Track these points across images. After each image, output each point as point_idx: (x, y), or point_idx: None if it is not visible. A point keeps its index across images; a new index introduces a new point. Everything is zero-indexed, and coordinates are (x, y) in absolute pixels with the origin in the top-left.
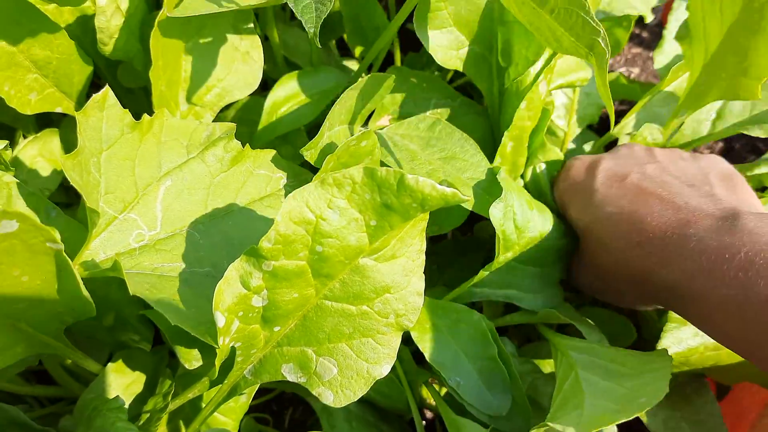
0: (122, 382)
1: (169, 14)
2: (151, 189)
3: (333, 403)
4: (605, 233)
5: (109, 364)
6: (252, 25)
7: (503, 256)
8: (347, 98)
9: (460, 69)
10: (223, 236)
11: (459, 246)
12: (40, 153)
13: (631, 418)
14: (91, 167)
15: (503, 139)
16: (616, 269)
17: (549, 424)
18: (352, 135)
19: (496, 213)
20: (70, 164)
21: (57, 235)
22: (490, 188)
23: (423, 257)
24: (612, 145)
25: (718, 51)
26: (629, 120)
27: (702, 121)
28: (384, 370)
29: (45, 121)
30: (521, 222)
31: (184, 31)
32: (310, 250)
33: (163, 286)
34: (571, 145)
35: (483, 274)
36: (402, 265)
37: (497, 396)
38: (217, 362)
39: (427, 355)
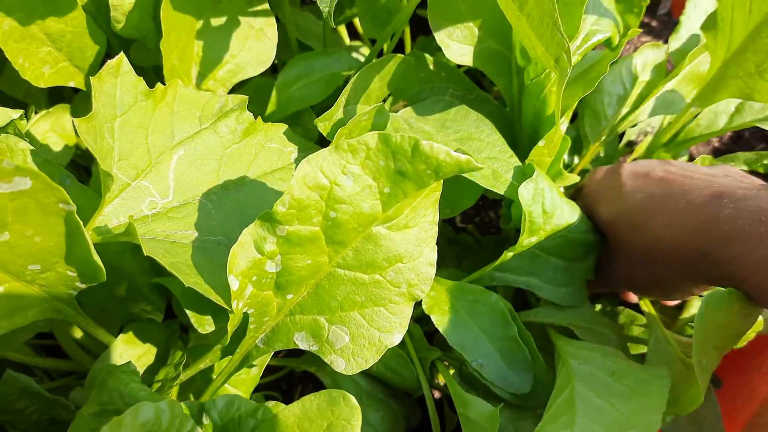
0: (133, 353)
1: None
2: (164, 157)
3: (345, 370)
4: (638, 215)
5: (121, 335)
6: (267, 4)
7: (527, 239)
8: (364, 77)
9: (472, 65)
10: (235, 206)
11: (478, 242)
12: (51, 128)
13: None
14: (105, 132)
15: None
16: (650, 251)
17: None
18: None
19: (525, 194)
20: (84, 127)
21: (67, 195)
22: (515, 173)
23: (436, 228)
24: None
25: (740, 48)
26: (645, 106)
27: (720, 113)
28: (396, 338)
29: (57, 98)
30: (549, 206)
31: (199, 5)
32: (324, 216)
33: (177, 251)
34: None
35: (507, 255)
36: (415, 235)
37: (519, 374)
38: (230, 328)
39: (448, 338)
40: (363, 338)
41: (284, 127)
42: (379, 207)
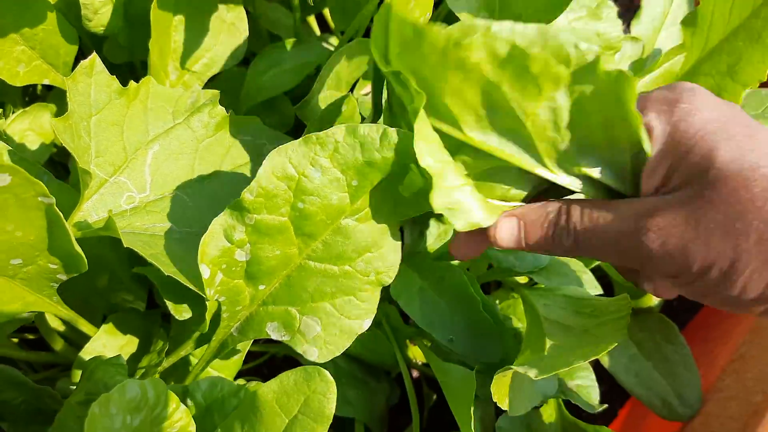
0: (116, 343)
1: None
2: (140, 153)
3: (318, 359)
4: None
5: (103, 326)
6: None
7: None
8: (334, 61)
9: None
10: (211, 198)
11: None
12: (30, 127)
13: (590, 360)
14: (82, 131)
15: None
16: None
17: (512, 367)
18: None
19: None
20: (61, 126)
21: (47, 190)
22: None
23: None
24: None
25: (715, 48)
26: None
27: None
28: (365, 324)
29: (32, 97)
30: None
31: (175, 2)
32: (292, 207)
33: (156, 243)
34: None
35: None
36: (380, 225)
37: (489, 345)
38: (208, 315)
39: (417, 321)
40: (334, 327)
41: (256, 119)
42: (347, 200)
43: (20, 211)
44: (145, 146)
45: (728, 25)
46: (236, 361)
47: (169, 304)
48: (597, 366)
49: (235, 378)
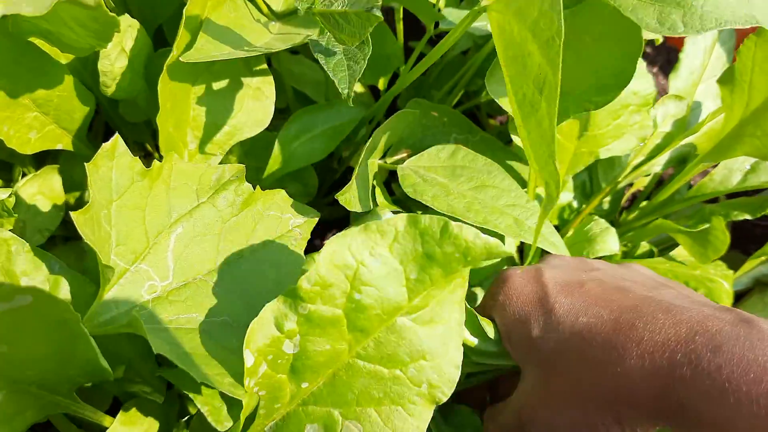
0: None
1: (182, 59)
2: (162, 237)
3: None
4: (589, 348)
5: (119, 416)
6: (265, 65)
7: None
8: (376, 140)
9: None
10: (238, 283)
11: None
12: (39, 191)
13: None
14: (102, 220)
15: None
16: (602, 398)
17: None
18: (370, 170)
19: None
20: (82, 219)
21: (71, 306)
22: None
23: (462, 328)
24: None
25: (760, 107)
26: (660, 158)
27: (735, 171)
28: None
29: (43, 154)
30: None
31: (194, 70)
32: (348, 298)
33: (182, 339)
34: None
35: None
36: (440, 332)
37: None
38: (243, 413)
39: None
40: None
41: (282, 192)
42: (405, 294)
43: (41, 326)
44: (167, 229)
45: None
46: None
47: (209, 415)
48: None
49: None
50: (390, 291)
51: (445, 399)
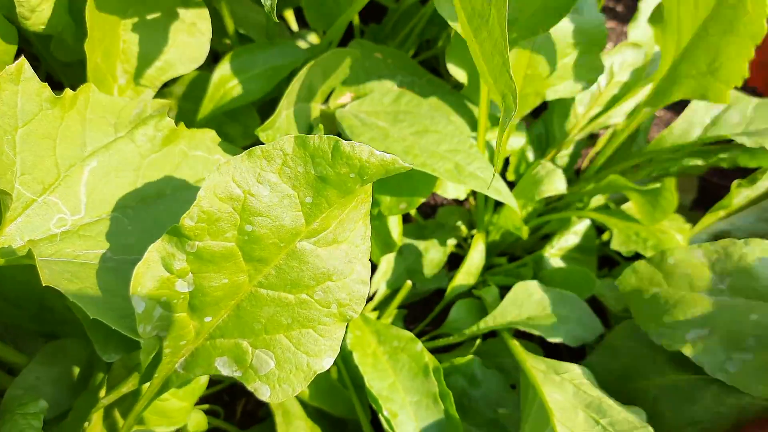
0: (52, 374)
1: None
2: (75, 170)
3: (270, 399)
4: None
5: (37, 356)
6: None
7: None
8: (307, 74)
9: None
10: (154, 222)
11: (421, 229)
12: None
13: None
14: (5, 146)
15: None
16: None
17: None
18: (310, 114)
19: None
20: None
21: None
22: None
23: (368, 243)
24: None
25: (689, 45)
26: (619, 108)
27: (695, 124)
28: (326, 363)
29: None
30: None
31: (124, 1)
32: (239, 230)
33: (86, 274)
34: None
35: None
36: (344, 251)
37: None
38: (143, 355)
39: (366, 381)
40: (290, 363)
41: (211, 132)
42: (301, 219)
43: None
44: (81, 162)
45: (696, 18)
46: (195, 389)
47: (96, 345)
48: None
49: (196, 404)
50: (285, 218)
51: (356, 316)
